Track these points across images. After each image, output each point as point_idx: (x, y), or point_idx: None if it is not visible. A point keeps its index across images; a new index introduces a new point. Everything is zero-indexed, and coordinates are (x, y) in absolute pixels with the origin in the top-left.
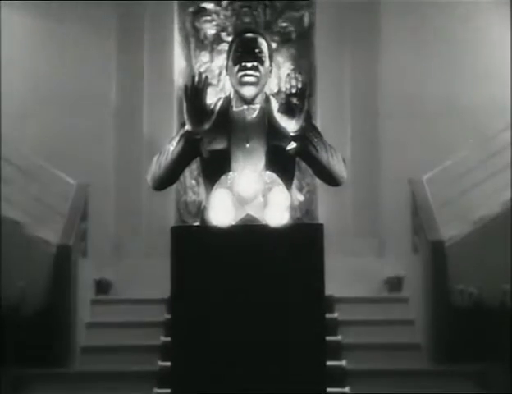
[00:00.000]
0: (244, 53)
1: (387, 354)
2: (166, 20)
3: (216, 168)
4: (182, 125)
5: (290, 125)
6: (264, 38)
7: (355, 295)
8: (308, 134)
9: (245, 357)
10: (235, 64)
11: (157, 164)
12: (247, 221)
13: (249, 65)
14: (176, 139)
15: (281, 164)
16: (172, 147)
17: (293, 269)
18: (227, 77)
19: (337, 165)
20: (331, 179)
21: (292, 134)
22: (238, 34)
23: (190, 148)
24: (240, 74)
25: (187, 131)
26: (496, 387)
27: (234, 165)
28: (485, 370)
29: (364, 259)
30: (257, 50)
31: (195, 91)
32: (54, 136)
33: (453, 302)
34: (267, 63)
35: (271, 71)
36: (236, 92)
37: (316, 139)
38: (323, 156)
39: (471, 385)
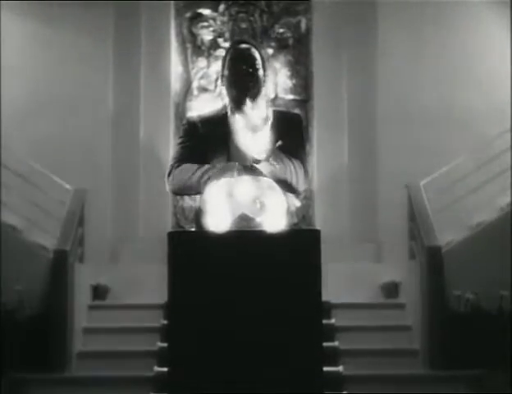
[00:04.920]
0: (239, 61)
1: (384, 359)
2: (162, 25)
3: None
4: (182, 147)
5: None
6: (257, 48)
7: (352, 301)
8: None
9: (242, 362)
10: (230, 72)
11: (190, 178)
12: (242, 220)
13: (244, 72)
14: (216, 168)
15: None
16: (212, 173)
17: (290, 275)
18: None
19: (292, 177)
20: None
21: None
22: (231, 45)
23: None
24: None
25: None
26: (493, 392)
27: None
28: (483, 376)
29: (361, 265)
30: (251, 58)
31: None
32: (51, 142)
33: (450, 308)
34: (261, 71)
35: (265, 81)
36: (232, 100)
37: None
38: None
39: (469, 390)
